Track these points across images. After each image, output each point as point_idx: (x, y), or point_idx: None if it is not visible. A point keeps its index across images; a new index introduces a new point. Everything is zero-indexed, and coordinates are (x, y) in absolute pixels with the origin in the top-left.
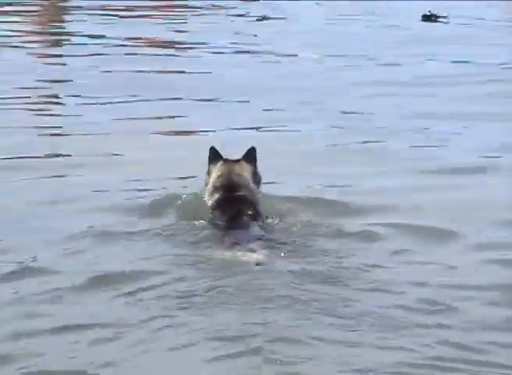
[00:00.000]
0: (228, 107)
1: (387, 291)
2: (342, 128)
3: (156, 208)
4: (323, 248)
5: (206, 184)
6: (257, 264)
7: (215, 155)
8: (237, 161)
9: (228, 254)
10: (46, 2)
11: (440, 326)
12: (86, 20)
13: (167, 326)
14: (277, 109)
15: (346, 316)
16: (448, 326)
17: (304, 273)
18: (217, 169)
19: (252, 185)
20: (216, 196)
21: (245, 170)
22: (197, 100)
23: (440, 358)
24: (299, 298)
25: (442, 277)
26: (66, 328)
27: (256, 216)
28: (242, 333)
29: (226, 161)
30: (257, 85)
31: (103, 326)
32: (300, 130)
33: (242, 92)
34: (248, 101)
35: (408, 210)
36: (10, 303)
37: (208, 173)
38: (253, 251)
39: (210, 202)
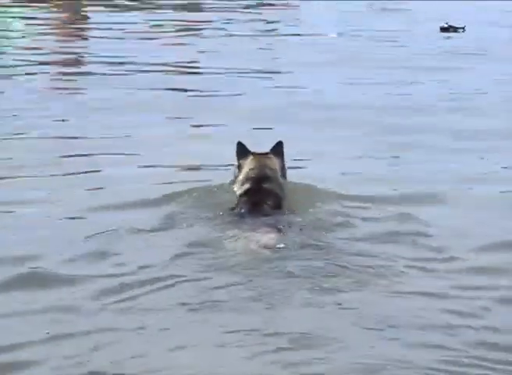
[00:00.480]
0: None
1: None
2: None
3: (182, 198)
4: (340, 238)
5: (236, 177)
6: (265, 247)
7: (242, 150)
8: (267, 155)
9: (241, 238)
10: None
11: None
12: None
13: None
14: None
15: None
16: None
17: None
18: (248, 163)
19: (280, 179)
20: (246, 186)
21: (274, 164)
22: None
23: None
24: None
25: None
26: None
27: (277, 207)
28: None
29: (256, 155)
30: None
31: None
32: None
33: None
34: None
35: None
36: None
37: (239, 166)
38: (262, 234)
39: (239, 192)
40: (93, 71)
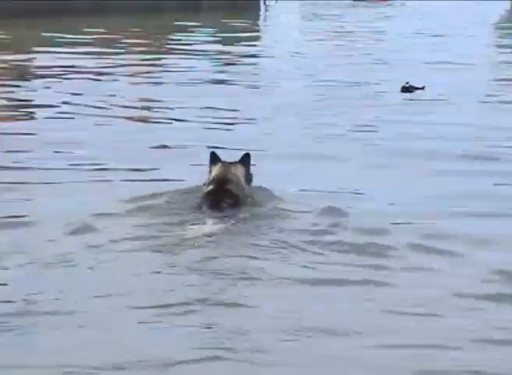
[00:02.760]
0: None
1: None
2: None
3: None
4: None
5: (206, 180)
6: (206, 235)
7: (214, 158)
8: (233, 163)
9: (190, 227)
10: None
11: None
12: None
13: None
14: None
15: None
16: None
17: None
18: (216, 169)
19: (242, 183)
20: (210, 187)
21: (239, 171)
22: None
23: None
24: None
25: None
26: None
27: (236, 205)
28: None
29: (224, 163)
30: None
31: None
32: None
33: None
34: None
35: None
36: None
37: (210, 171)
38: (206, 224)
39: (204, 191)
40: None
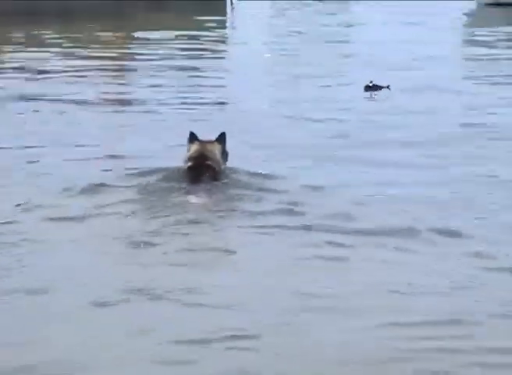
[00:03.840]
0: None
1: None
2: None
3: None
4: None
5: (185, 157)
6: (193, 203)
7: (192, 137)
8: (211, 141)
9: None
10: None
11: None
12: None
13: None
14: None
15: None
16: None
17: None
18: (194, 146)
19: (218, 159)
20: (189, 163)
21: (215, 148)
22: None
23: None
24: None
25: None
26: None
27: (213, 178)
28: None
29: (202, 141)
30: None
31: None
32: None
33: None
34: None
35: None
36: None
37: (188, 150)
38: (192, 195)
39: (185, 167)
40: None
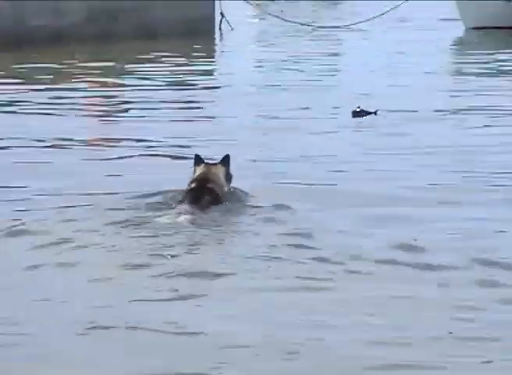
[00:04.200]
0: None
1: None
2: None
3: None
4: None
5: (189, 179)
6: (178, 223)
7: (198, 160)
8: (215, 164)
9: (167, 217)
10: None
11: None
12: None
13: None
14: None
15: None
16: None
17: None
18: (199, 169)
19: (222, 181)
20: (192, 185)
21: (219, 171)
22: None
23: None
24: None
25: None
26: None
27: (215, 202)
28: None
29: (207, 164)
30: None
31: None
32: None
33: None
34: None
35: None
36: None
37: (194, 172)
38: (181, 215)
39: (187, 188)
40: None
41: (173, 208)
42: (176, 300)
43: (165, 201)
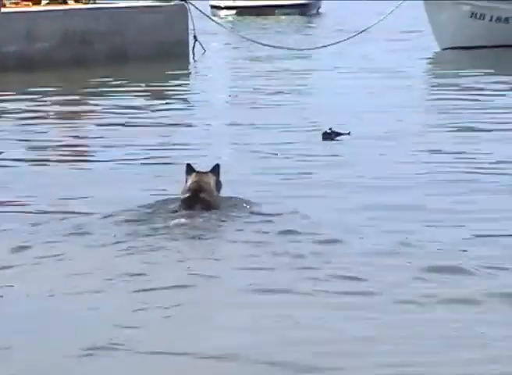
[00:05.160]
0: None
1: None
2: None
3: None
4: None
5: (183, 189)
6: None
7: (190, 169)
8: (206, 173)
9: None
10: None
11: None
12: None
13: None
14: None
15: None
16: None
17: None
18: (191, 178)
19: (213, 190)
20: (186, 195)
21: (211, 179)
22: None
23: None
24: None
25: None
26: None
27: (208, 209)
28: None
29: (198, 173)
30: None
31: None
32: None
33: None
34: None
35: None
36: None
37: (186, 181)
38: (177, 223)
39: (181, 198)
40: None
41: (169, 217)
42: (165, 318)
43: (159, 211)
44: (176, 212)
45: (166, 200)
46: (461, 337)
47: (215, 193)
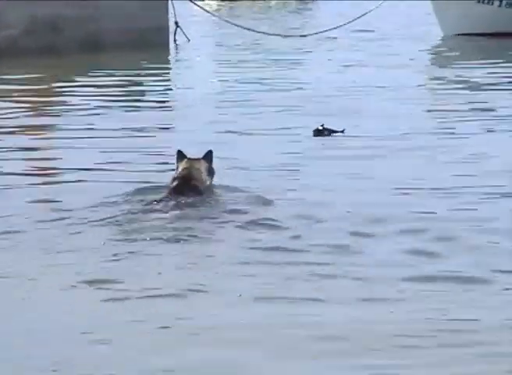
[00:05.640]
0: None
1: None
2: None
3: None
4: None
5: (174, 175)
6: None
7: (181, 156)
8: (197, 159)
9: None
10: None
11: None
12: None
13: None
14: None
15: None
16: None
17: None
18: (182, 164)
19: (204, 177)
20: (176, 182)
21: (202, 166)
22: None
23: None
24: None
25: None
26: None
27: (197, 194)
28: None
29: (189, 159)
30: None
31: None
32: None
33: None
34: None
35: None
36: None
37: (176, 167)
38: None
39: (172, 185)
40: None
41: (159, 205)
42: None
43: (149, 199)
44: (164, 201)
45: (150, 188)
46: None
47: (207, 180)
